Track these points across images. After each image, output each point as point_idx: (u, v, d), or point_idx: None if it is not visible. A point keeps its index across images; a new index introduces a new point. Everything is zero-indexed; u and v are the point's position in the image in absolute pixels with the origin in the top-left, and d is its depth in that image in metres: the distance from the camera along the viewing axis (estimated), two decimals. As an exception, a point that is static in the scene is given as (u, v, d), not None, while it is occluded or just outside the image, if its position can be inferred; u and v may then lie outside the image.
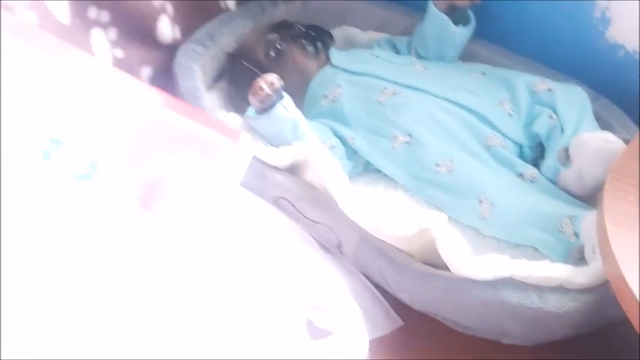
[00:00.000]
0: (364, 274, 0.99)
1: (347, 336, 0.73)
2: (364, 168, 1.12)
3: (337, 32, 1.36)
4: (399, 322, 0.96)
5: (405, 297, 0.94)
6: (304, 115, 1.11)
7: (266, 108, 1.07)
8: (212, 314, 0.75)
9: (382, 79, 1.15)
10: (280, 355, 0.72)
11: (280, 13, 1.36)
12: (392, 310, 0.96)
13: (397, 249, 0.93)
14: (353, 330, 0.74)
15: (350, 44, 1.36)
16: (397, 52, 1.29)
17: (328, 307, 0.75)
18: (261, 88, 1.06)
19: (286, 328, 0.75)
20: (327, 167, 1.01)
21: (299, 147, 1.05)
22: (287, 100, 1.08)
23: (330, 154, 1.04)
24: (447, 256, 0.88)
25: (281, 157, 1.05)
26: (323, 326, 0.73)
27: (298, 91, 1.20)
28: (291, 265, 0.84)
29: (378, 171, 1.11)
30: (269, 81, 1.06)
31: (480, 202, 0.99)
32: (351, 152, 1.11)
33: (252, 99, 1.07)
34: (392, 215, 0.95)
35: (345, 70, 1.20)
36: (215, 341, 0.73)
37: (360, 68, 1.19)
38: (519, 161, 1.04)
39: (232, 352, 0.72)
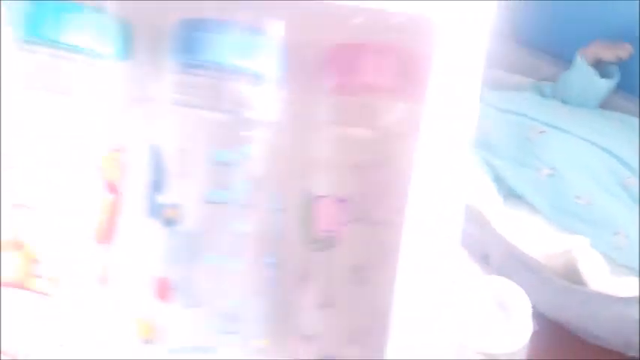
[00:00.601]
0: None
1: (511, 327, 0.89)
2: (507, 193, 1.29)
3: (486, 73, 1.53)
4: (533, 327, 1.10)
5: (542, 306, 1.09)
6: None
7: None
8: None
9: (532, 118, 1.32)
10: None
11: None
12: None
13: (541, 264, 1.09)
14: (519, 322, 0.89)
15: (497, 85, 1.53)
16: (542, 96, 1.45)
17: (500, 298, 0.90)
18: None
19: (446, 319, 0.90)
20: (481, 189, 1.19)
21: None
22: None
23: (485, 177, 1.22)
24: (587, 273, 1.03)
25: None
26: (489, 317, 0.88)
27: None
28: (453, 262, 1.00)
29: (519, 197, 1.27)
30: None
31: (616, 234, 1.13)
32: (497, 177, 1.28)
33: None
34: (539, 235, 1.11)
35: (493, 107, 1.38)
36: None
37: (510, 107, 1.36)
38: (653, 202, 1.18)
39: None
